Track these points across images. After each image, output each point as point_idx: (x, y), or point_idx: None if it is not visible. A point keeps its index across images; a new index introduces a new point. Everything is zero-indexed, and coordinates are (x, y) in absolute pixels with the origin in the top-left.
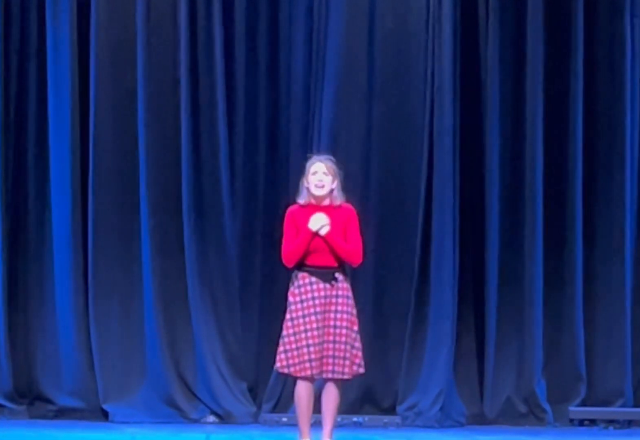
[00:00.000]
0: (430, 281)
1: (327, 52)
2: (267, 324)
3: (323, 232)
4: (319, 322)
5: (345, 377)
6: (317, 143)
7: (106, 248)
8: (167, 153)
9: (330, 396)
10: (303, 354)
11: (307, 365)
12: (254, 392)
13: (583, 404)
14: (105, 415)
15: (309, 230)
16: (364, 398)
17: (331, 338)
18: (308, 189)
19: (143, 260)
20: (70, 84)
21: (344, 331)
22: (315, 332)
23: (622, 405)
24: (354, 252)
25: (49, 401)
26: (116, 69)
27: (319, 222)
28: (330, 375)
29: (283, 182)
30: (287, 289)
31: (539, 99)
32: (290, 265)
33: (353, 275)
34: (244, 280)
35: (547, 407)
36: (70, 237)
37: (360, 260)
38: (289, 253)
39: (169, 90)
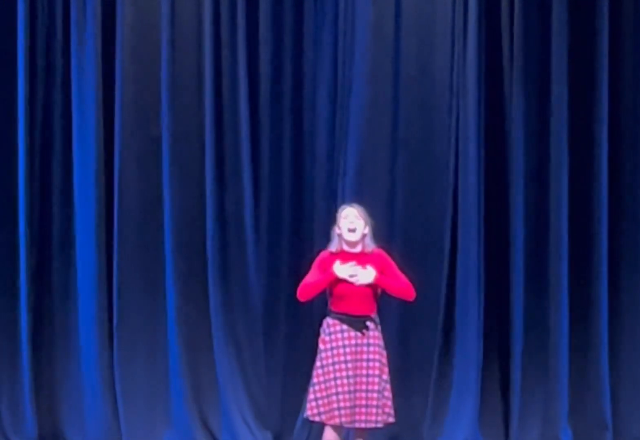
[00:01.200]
0: (455, 329)
1: (352, 100)
2: (292, 372)
3: (362, 281)
4: (349, 371)
5: (378, 425)
6: (342, 192)
7: (131, 298)
8: (191, 206)
9: None
10: (332, 402)
11: (336, 413)
12: None
13: None
14: None
15: (332, 271)
16: None
17: (363, 387)
18: (340, 235)
19: (168, 310)
20: (95, 136)
21: (376, 379)
22: (345, 381)
23: None
24: (405, 287)
25: None
26: (141, 118)
27: (349, 271)
28: (363, 425)
29: (308, 233)
30: (312, 337)
31: (564, 152)
32: (302, 299)
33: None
34: (268, 328)
35: None
36: (96, 288)
37: (414, 294)
38: (305, 286)
39: (194, 143)
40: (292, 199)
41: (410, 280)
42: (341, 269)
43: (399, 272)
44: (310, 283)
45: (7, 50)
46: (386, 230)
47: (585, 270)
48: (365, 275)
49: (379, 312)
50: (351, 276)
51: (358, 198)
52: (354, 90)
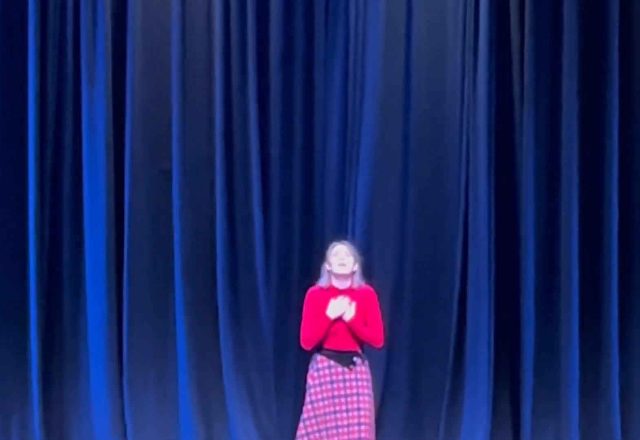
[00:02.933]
0: (465, 364)
1: (362, 134)
2: (302, 404)
3: (347, 317)
4: (336, 406)
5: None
6: (352, 226)
7: (141, 332)
8: (201, 240)
9: None
10: (322, 437)
11: None
12: None
13: None
14: None
15: (327, 316)
16: None
17: (355, 421)
18: (330, 272)
19: (178, 342)
20: (105, 168)
21: (367, 413)
22: (332, 416)
23: None
24: (376, 335)
25: None
26: (150, 152)
27: (340, 308)
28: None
29: (317, 265)
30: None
31: (574, 178)
32: (308, 348)
33: (388, 358)
34: (278, 362)
35: None
36: (105, 317)
37: (381, 343)
38: (307, 337)
39: (204, 175)
40: (302, 233)
41: (385, 326)
42: (333, 310)
43: (378, 316)
44: (310, 335)
45: (17, 80)
46: (396, 263)
47: (594, 303)
48: (351, 311)
49: (391, 347)
50: (345, 311)
51: (368, 232)
52: (364, 124)
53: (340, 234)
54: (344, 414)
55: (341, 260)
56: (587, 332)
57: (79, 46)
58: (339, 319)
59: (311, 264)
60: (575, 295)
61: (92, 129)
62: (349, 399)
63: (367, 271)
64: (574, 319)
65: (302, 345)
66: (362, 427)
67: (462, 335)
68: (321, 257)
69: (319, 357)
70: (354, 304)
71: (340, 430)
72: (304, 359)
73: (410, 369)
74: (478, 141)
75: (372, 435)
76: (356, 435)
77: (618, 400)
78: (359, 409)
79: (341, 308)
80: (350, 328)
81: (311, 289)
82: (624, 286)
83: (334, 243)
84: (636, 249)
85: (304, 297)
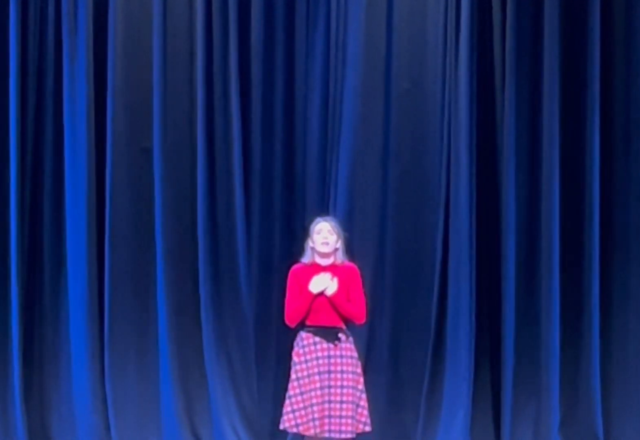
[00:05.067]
0: (447, 343)
1: (343, 113)
2: (283, 384)
3: (329, 292)
4: (322, 382)
5: (350, 435)
6: (333, 205)
7: (122, 309)
8: (183, 215)
9: None
10: (309, 413)
11: (312, 424)
12: None
13: None
14: None
15: (309, 292)
16: None
17: (338, 398)
18: (313, 249)
19: (159, 322)
20: (86, 140)
21: (350, 391)
22: (319, 392)
23: None
24: (358, 312)
25: None
26: (132, 131)
27: (322, 283)
28: (337, 435)
29: (299, 244)
30: None
31: (555, 168)
32: (292, 325)
33: (369, 336)
34: (259, 341)
35: None
36: (86, 299)
37: (363, 320)
38: (291, 313)
39: (185, 154)
40: (283, 211)
41: (367, 304)
42: (315, 285)
43: (361, 292)
44: (293, 310)
45: None
46: (377, 241)
47: (577, 285)
48: (334, 286)
49: (372, 326)
50: (327, 287)
51: (349, 210)
52: (346, 102)
53: (321, 212)
54: (326, 390)
55: (324, 238)
56: (569, 313)
57: (60, 24)
58: (322, 294)
59: (292, 241)
60: (556, 277)
61: (74, 107)
62: (332, 375)
63: (350, 248)
64: (555, 300)
65: (286, 322)
66: (344, 405)
67: (443, 315)
68: (303, 234)
69: (304, 334)
70: (336, 280)
71: (325, 411)
72: (285, 336)
73: (391, 348)
74: (459, 120)
75: (355, 413)
76: (337, 428)
77: (599, 381)
78: (342, 387)
79: (323, 283)
80: (332, 303)
81: (294, 266)
82: (605, 267)
83: (318, 219)
84: (617, 227)
85: (285, 274)
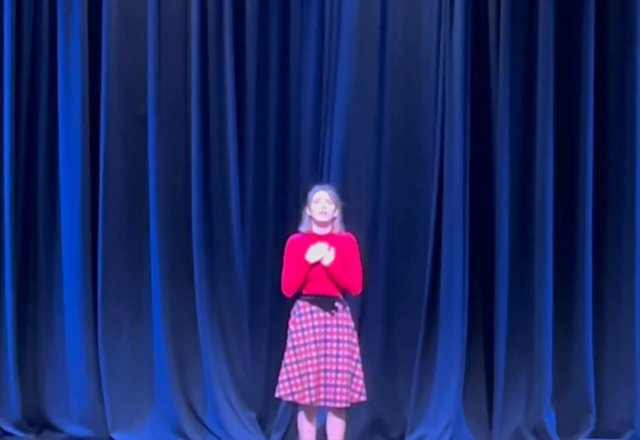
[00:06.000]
0: (440, 311)
1: (337, 82)
2: (277, 353)
3: (326, 262)
4: (318, 351)
5: (345, 405)
6: (327, 173)
7: (115, 278)
8: (177, 182)
9: (336, 425)
10: (304, 382)
11: (307, 393)
12: (262, 422)
13: (592, 435)
14: None
15: (306, 261)
16: (372, 428)
17: (334, 367)
18: (311, 217)
19: (152, 291)
20: (80, 113)
21: (345, 360)
22: (315, 361)
23: (632, 438)
24: (354, 282)
25: (57, 430)
26: (126, 98)
27: (319, 253)
28: (332, 404)
29: (293, 213)
30: None
31: (549, 136)
32: (289, 295)
33: (362, 305)
34: (253, 309)
35: (556, 438)
36: (80, 269)
37: (359, 290)
38: (287, 283)
39: (179, 124)
40: (276, 181)
41: (364, 274)
42: (312, 255)
43: (358, 263)
44: (290, 280)
45: None
46: (371, 210)
47: (570, 254)
48: (330, 256)
49: (365, 294)
50: (324, 257)
51: (343, 179)
52: (340, 71)
53: (316, 181)
54: (322, 359)
55: (322, 208)
56: (562, 281)
57: None
58: (318, 263)
59: (286, 211)
60: (549, 243)
61: (68, 76)
62: (328, 344)
63: (345, 216)
64: (548, 269)
65: (283, 291)
66: (340, 374)
67: (437, 284)
68: (297, 203)
69: (300, 302)
70: (332, 249)
71: (321, 380)
72: (279, 305)
73: (384, 316)
74: (453, 89)
75: (351, 382)
76: (332, 397)
77: (592, 351)
78: (337, 356)
79: (320, 253)
80: (329, 273)
81: (291, 236)
82: (599, 235)
83: (316, 188)
84: (610, 196)
85: (278, 243)
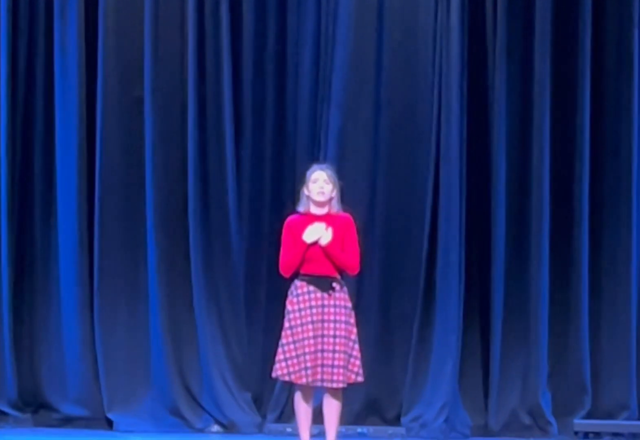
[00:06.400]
0: (436, 293)
1: (335, 63)
2: (272, 333)
3: (324, 242)
4: (315, 331)
5: (342, 385)
6: (324, 153)
7: (112, 259)
8: (173, 163)
9: (332, 405)
10: (301, 362)
11: (304, 373)
12: (258, 402)
13: (588, 416)
14: (109, 424)
15: (303, 241)
16: (369, 409)
17: (330, 347)
18: (308, 197)
19: (149, 271)
20: (77, 94)
21: (342, 340)
22: (312, 341)
23: (627, 418)
24: (351, 262)
25: (53, 409)
26: (124, 79)
27: (316, 233)
28: (329, 385)
29: (289, 193)
30: None
31: (546, 114)
32: (286, 275)
33: (358, 287)
34: (249, 290)
35: (551, 419)
36: (76, 248)
37: (357, 270)
38: (285, 263)
39: (176, 102)
40: (273, 162)
41: (361, 255)
42: (309, 235)
43: (355, 243)
44: (287, 261)
45: None
46: (368, 190)
47: (566, 235)
48: (328, 236)
49: (361, 275)
50: (321, 237)
51: (340, 159)
52: (337, 52)
53: (312, 161)
54: (319, 339)
55: (320, 188)
56: (557, 262)
57: None
58: (316, 244)
59: (282, 192)
60: (546, 227)
61: (65, 58)
62: (325, 325)
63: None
64: (544, 252)
65: (281, 272)
66: (336, 355)
67: (433, 266)
68: (293, 184)
69: (298, 282)
70: (330, 229)
71: (318, 360)
72: (275, 286)
73: (381, 298)
74: (451, 70)
75: (347, 363)
76: (330, 377)
77: (588, 333)
78: (334, 336)
79: (317, 233)
80: (326, 253)
81: (289, 217)
82: (595, 219)
83: (314, 167)
84: (607, 179)
85: (275, 224)
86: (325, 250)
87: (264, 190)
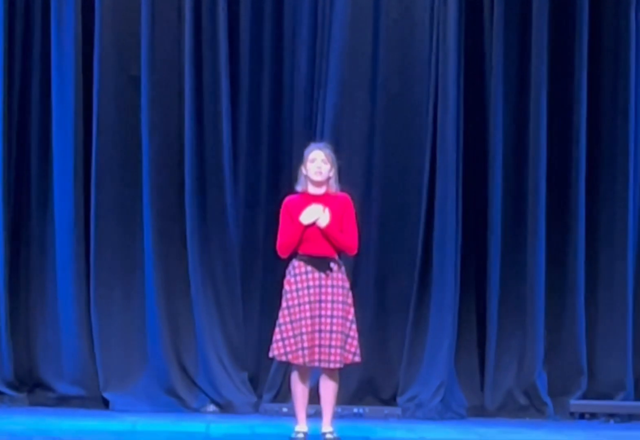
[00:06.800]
0: (433, 273)
1: (332, 42)
2: (269, 314)
3: (322, 224)
4: (313, 311)
5: (339, 365)
6: (320, 133)
7: (108, 237)
8: (170, 143)
9: (329, 385)
10: (298, 342)
11: (300, 353)
12: (254, 382)
13: (584, 397)
14: (105, 404)
15: (300, 222)
16: (365, 389)
17: (328, 327)
18: (306, 176)
19: (145, 250)
20: (74, 73)
21: (339, 321)
22: (309, 321)
23: (623, 399)
24: (350, 242)
25: (49, 389)
26: (120, 59)
27: (314, 215)
28: (326, 365)
29: (286, 171)
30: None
31: (543, 91)
32: (284, 256)
33: (355, 268)
34: (245, 270)
35: (547, 399)
36: (73, 226)
37: (355, 251)
38: (282, 244)
39: (172, 82)
40: (270, 140)
41: (359, 234)
42: (307, 217)
43: (354, 223)
44: (284, 241)
45: None
46: (364, 169)
47: (563, 217)
48: (325, 217)
49: (358, 255)
50: (319, 218)
51: (336, 139)
52: (334, 30)
53: (308, 141)
54: (316, 320)
55: (318, 168)
56: (555, 246)
57: None
58: (313, 225)
59: (279, 171)
60: (542, 208)
61: (61, 36)
62: (322, 305)
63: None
64: (541, 233)
65: (278, 252)
66: (334, 335)
67: (429, 245)
68: (289, 164)
69: (296, 262)
70: (327, 211)
71: (315, 340)
72: (271, 267)
73: (377, 278)
74: (447, 49)
75: (345, 343)
76: (327, 357)
77: (584, 313)
78: (332, 316)
79: (315, 214)
80: (325, 235)
81: (287, 197)
82: (591, 198)
83: (312, 147)
84: (604, 156)
85: (271, 203)
86: (324, 232)
87: (260, 168)
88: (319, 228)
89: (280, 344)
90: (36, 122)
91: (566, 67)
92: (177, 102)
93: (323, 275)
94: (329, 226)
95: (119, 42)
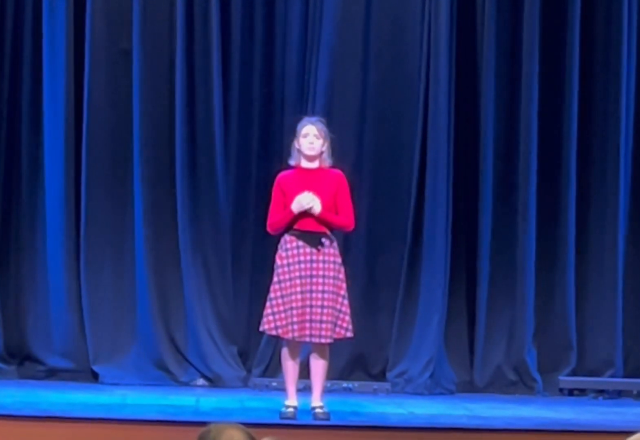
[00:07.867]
0: (422, 248)
1: (324, 16)
2: (259, 288)
3: (316, 211)
4: (304, 286)
5: (330, 340)
6: (312, 107)
7: (99, 211)
8: (161, 117)
9: (318, 361)
10: (288, 317)
11: (291, 327)
12: (244, 356)
13: (573, 373)
14: (95, 377)
15: (292, 209)
16: (354, 364)
17: (319, 302)
18: (299, 151)
19: (135, 224)
20: (65, 45)
21: (330, 296)
22: (299, 296)
23: (612, 376)
24: (346, 221)
25: (38, 361)
26: (111, 32)
27: (305, 201)
28: (316, 340)
29: (277, 147)
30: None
31: (535, 67)
32: (274, 234)
33: (345, 242)
34: (235, 244)
35: (537, 376)
36: (63, 198)
37: (352, 227)
38: (273, 224)
39: (164, 55)
40: (261, 117)
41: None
42: (298, 204)
43: (348, 200)
44: (275, 222)
45: None
46: (356, 147)
47: (553, 191)
48: (318, 204)
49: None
50: (311, 206)
51: (328, 114)
52: (326, 6)
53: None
54: (307, 295)
55: (310, 143)
56: (544, 219)
57: None
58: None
59: (270, 146)
60: (533, 185)
61: (52, 9)
62: (314, 280)
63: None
64: (531, 209)
65: (268, 230)
66: (325, 310)
67: (420, 220)
68: (280, 139)
69: (288, 237)
70: (318, 200)
71: (306, 315)
72: (262, 241)
73: (367, 253)
74: (439, 22)
75: (336, 318)
76: (318, 332)
77: (574, 290)
78: (323, 292)
79: (307, 201)
80: (321, 221)
81: (279, 174)
82: (583, 175)
83: (304, 121)
84: (595, 136)
85: (262, 178)
86: (319, 218)
87: (252, 142)
88: (312, 215)
89: (270, 318)
90: (27, 95)
91: (558, 54)
92: (169, 77)
93: (314, 250)
94: (322, 212)
95: (111, 15)
